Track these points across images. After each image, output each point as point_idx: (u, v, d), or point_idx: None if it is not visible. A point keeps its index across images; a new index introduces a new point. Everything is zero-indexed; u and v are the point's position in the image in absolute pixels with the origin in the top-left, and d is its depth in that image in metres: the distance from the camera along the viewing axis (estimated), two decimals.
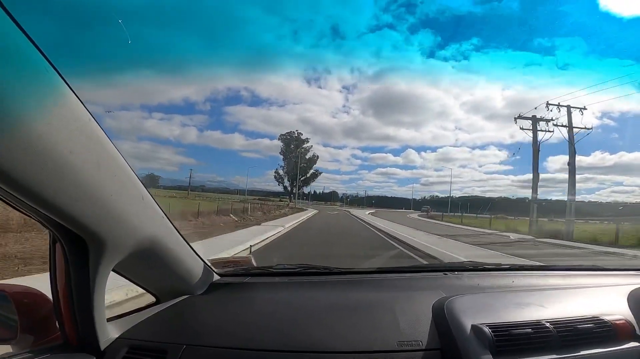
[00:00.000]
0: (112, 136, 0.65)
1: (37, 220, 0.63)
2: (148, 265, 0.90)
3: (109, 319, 0.84)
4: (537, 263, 1.45)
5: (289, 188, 69.22)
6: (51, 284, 0.74)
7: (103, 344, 0.79)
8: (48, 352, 0.73)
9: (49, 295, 0.78)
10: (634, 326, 0.84)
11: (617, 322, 0.83)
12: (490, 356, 0.73)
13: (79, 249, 0.68)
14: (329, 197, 59.91)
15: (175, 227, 0.92)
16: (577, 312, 0.87)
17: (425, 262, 5.96)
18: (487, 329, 0.77)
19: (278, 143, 57.50)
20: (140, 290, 1.02)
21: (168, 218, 0.89)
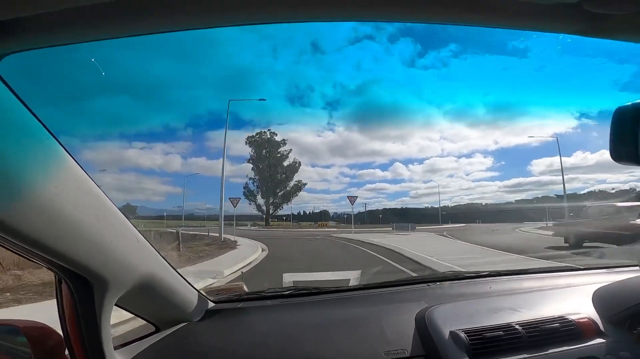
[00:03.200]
0: (105, 189, 0.71)
1: (46, 266, 0.68)
2: (147, 297, 0.95)
3: (115, 348, 0.88)
4: (514, 269, 1.47)
5: (264, 207, 51.32)
6: (60, 320, 0.79)
7: None
8: None
9: (58, 329, 0.83)
10: (597, 324, 0.90)
11: (581, 321, 0.90)
12: None
13: (84, 287, 0.74)
14: (320, 217, 53.91)
15: (168, 262, 0.99)
16: (545, 313, 0.93)
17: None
18: (463, 335, 0.85)
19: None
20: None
21: (161, 255, 0.95)
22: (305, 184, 54.31)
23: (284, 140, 53.19)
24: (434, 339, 0.87)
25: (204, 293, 1.20)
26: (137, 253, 0.83)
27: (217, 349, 0.97)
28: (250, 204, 50.87)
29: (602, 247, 8.05)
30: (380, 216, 41.81)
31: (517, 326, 0.86)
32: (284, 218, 51.93)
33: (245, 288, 1.38)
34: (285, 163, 52.33)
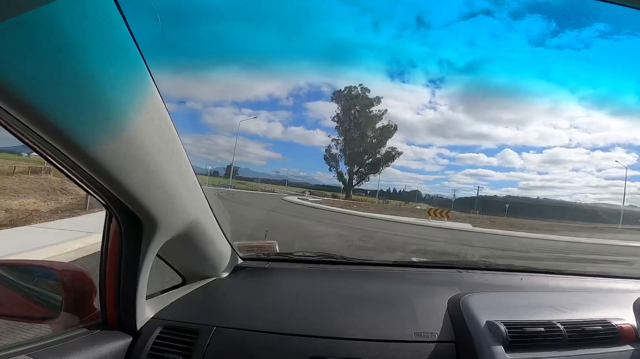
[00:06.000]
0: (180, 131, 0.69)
1: (101, 199, 0.67)
2: (186, 247, 0.94)
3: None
4: (549, 268, 1.38)
5: (346, 176, 43.53)
6: (100, 260, 0.78)
7: (139, 324, 0.83)
8: (87, 332, 0.76)
9: (93, 277, 0.83)
10: (636, 331, 0.87)
11: (623, 326, 0.87)
12: (503, 350, 0.77)
13: (134, 228, 0.73)
14: (410, 197, 48.34)
15: (214, 213, 0.97)
16: (587, 315, 0.89)
17: None
18: (501, 326, 0.81)
19: None
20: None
21: (210, 205, 0.94)
22: (401, 152, 44.16)
23: (377, 97, 43.34)
24: (468, 326, 0.84)
25: (236, 249, 1.20)
26: (191, 198, 0.81)
27: (246, 308, 0.96)
28: (330, 171, 43.71)
29: None
30: (507, 206, 30.34)
31: (559, 325, 0.83)
32: (368, 192, 43.62)
33: (277, 247, 1.34)
34: (378, 125, 42.85)
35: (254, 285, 1.11)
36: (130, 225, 0.72)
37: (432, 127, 51.22)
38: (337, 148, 42.56)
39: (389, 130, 42.40)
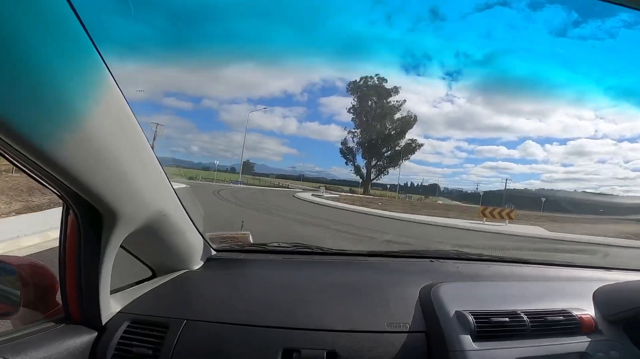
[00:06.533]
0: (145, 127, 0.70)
1: (57, 191, 0.64)
2: (153, 239, 0.91)
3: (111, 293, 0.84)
4: (517, 257, 1.38)
5: (364, 170, 40.70)
6: (59, 255, 0.75)
7: (105, 319, 0.80)
8: (49, 327, 0.73)
9: (54, 270, 0.79)
10: (596, 321, 0.88)
11: (583, 316, 0.87)
12: (471, 340, 0.77)
13: (93, 221, 0.69)
14: (429, 191, 47.33)
15: (181, 203, 0.93)
16: (549, 305, 0.91)
17: None
18: (469, 316, 0.81)
19: None
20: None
21: (177, 195, 0.90)
22: (422, 144, 40.99)
23: (395, 87, 40.35)
24: (438, 316, 0.84)
25: (208, 240, 1.16)
26: (154, 188, 0.78)
27: (218, 301, 0.93)
28: (347, 165, 40.90)
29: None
30: (544, 199, 27.05)
31: (522, 315, 0.84)
32: (388, 186, 40.66)
33: (250, 238, 1.30)
34: (397, 116, 39.78)
35: (226, 276, 1.08)
36: (88, 217, 0.69)
37: (450, 120, 50.85)
38: (354, 141, 39.84)
39: (408, 121, 39.29)
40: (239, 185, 28.42)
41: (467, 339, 0.77)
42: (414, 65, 46.01)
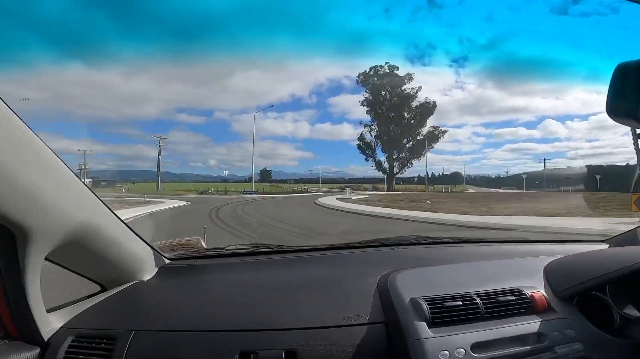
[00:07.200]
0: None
1: None
2: (87, 253, 0.87)
3: (49, 310, 0.82)
4: (474, 236, 1.54)
5: (386, 165, 37.64)
6: None
7: (46, 335, 0.79)
8: None
9: None
10: (547, 299, 0.87)
11: (535, 294, 0.86)
12: (426, 327, 0.77)
13: (6, 240, 0.68)
14: (452, 180, 44.98)
15: (114, 213, 0.90)
16: (501, 284, 0.90)
17: None
18: (423, 302, 0.81)
19: None
20: None
21: (106, 205, 0.86)
22: (446, 131, 37.62)
23: (409, 74, 37.11)
24: (395, 305, 0.83)
25: (157, 249, 1.13)
26: (71, 201, 0.75)
27: (170, 309, 0.90)
28: (367, 161, 37.95)
29: None
30: (599, 177, 23.71)
31: (474, 296, 0.84)
32: (415, 180, 37.53)
33: (203, 243, 1.28)
34: (414, 104, 36.55)
35: (181, 284, 1.04)
36: (0, 237, 0.67)
37: (463, 106, 49.39)
38: (371, 135, 36.88)
39: (427, 108, 35.98)
40: (253, 196, 25.97)
41: (423, 326, 0.77)
42: (418, 55, 44.51)
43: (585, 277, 0.86)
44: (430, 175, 43.32)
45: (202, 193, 28.48)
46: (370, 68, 36.75)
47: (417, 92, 36.25)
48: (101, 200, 0.84)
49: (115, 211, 0.90)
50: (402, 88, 35.85)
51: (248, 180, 36.51)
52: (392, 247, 1.25)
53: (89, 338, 0.79)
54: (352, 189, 23.52)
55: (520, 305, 0.83)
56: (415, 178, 37.54)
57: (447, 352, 0.73)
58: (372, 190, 30.13)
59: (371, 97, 36.50)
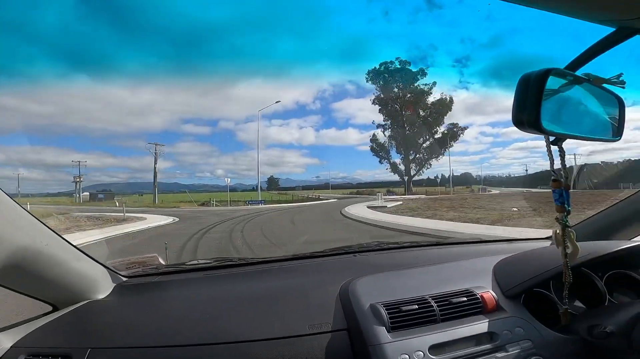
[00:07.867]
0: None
1: None
2: (32, 275, 0.84)
3: None
4: (433, 240, 1.55)
5: (401, 167, 34.89)
6: None
7: None
8: None
9: None
10: (496, 298, 0.88)
11: (484, 294, 0.87)
12: (386, 332, 0.77)
13: None
14: (462, 181, 44.44)
15: (58, 234, 0.88)
16: (454, 286, 0.91)
17: None
18: (382, 308, 0.82)
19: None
20: None
21: (47, 226, 0.85)
22: (466, 127, 34.99)
23: (422, 70, 34.63)
24: (355, 312, 0.84)
25: (111, 267, 1.09)
26: (8, 225, 0.75)
27: (127, 326, 0.88)
28: (381, 163, 35.15)
29: None
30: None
31: (430, 299, 0.85)
32: (438, 180, 34.73)
33: (161, 260, 1.27)
34: (430, 100, 33.93)
35: (138, 301, 1.01)
36: None
37: (468, 106, 49.30)
38: (385, 136, 34.10)
39: (444, 104, 33.36)
40: (259, 206, 23.03)
41: (382, 331, 0.78)
42: (421, 56, 46.30)
43: (528, 275, 0.90)
44: (440, 177, 40.59)
45: (203, 204, 25.85)
46: (381, 64, 34.20)
47: (431, 87, 33.66)
48: (43, 223, 0.83)
49: (60, 233, 0.87)
50: (415, 84, 33.28)
51: (256, 189, 33.87)
52: (355, 254, 1.28)
53: (43, 356, 0.79)
54: (382, 194, 20.25)
55: (472, 306, 0.84)
56: (439, 180, 34.78)
57: (406, 356, 0.73)
58: (391, 194, 27.23)
59: (382, 95, 33.90)
